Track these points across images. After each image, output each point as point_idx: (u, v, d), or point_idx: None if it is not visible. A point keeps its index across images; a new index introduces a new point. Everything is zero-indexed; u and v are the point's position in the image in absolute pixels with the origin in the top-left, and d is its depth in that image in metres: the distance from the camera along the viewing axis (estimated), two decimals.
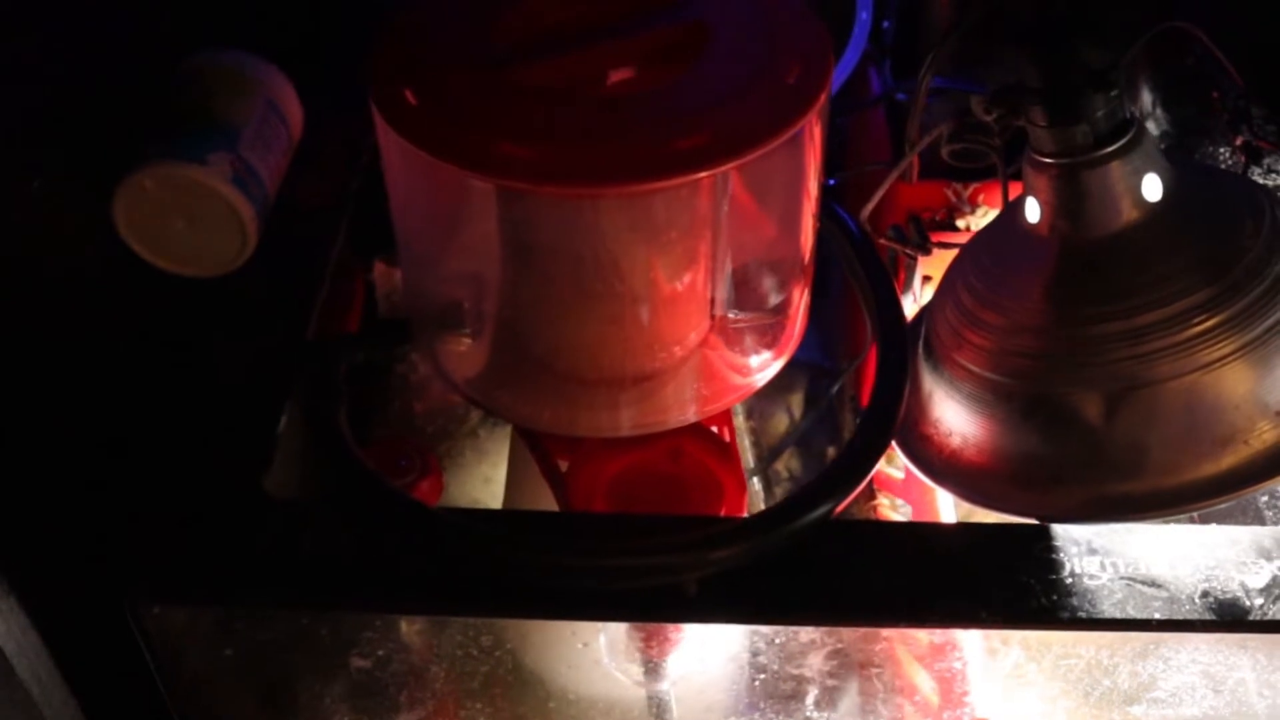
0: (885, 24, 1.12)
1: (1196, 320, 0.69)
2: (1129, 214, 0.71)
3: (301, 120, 0.88)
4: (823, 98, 0.68)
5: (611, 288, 0.71)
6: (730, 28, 0.73)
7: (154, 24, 0.83)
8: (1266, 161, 0.91)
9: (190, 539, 0.69)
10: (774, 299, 0.76)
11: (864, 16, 1.07)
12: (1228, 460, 0.69)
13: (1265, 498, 0.82)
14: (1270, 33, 0.98)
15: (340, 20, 0.97)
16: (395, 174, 0.74)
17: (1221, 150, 0.97)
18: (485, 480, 1.04)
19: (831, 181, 1.03)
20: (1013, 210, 0.77)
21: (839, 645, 0.69)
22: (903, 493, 0.94)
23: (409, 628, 0.68)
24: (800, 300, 0.79)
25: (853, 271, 0.87)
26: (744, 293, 0.75)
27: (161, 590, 0.67)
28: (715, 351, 0.77)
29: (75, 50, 0.74)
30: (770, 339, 0.78)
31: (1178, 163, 0.74)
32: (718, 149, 0.65)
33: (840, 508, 0.69)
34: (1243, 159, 0.92)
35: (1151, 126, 1.05)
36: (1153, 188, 0.71)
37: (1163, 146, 1.02)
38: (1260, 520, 0.82)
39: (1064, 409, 0.72)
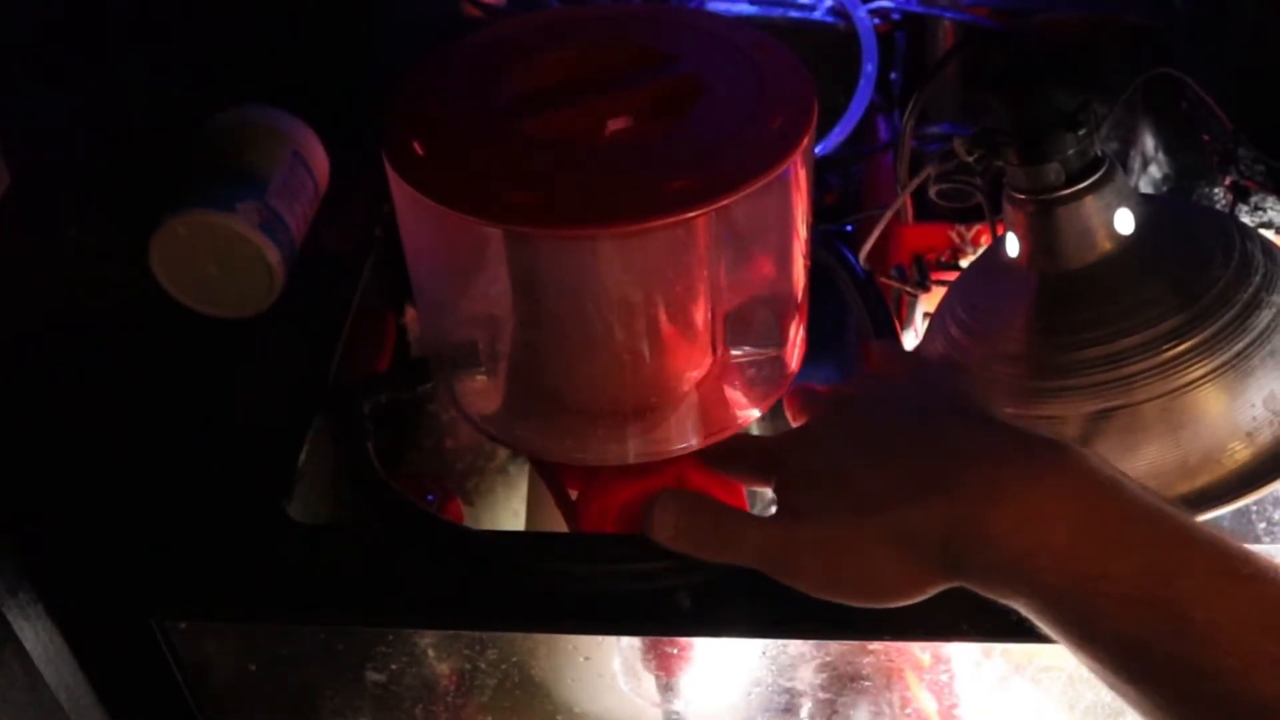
0: (893, 75, 1.16)
1: (1170, 345, 0.70)
2: (1103, 246, 0.74)
3: (327, 171, 0.90)
4: (805, 141, 0.71)
5: (615, 326, 0.74)
6: (721, 79, 0.75)
7: (188, 81, 0.86)
8: (1253, 200, 0.94)
9: (216, 560, 0.73)
10: (771, 334, 0.79)
11: (869, 69, 1.11)
12: (1202, 479, 0.71)
13: (1263, 525, 0.84)
14: (1257, 76, 1.01)
15: (364, 78, 1.00)
16: (408, 223, 0.77)
17: (1216, 190, 0.99)
18: (514, 514, 1.07)
19: (848, 228, 1.07)
20: (996, 246, 0.80)
21: (837, 660, 0.71)
22: None
23: (419, 642, 0.71)
24: (796, 334, 0.82)
25: (855, 305, 0.91)
26: (742, 329, 0.77)
27: (188, 608, 0.71)
28: (717, 384, 0.79)
29: (112, 106, 0.77)
30: (769, 371, 0.81)
31: (1151, 198, 0.77)
32: (707, 190, 0.68)
33: None
34: (1231, 198, 0.95)
35: (1154, 170, 1.07)
36: (1125, 221, 0.74)
37: (1165, 189, 1.06)
38: (1256, 541, 0.84)
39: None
